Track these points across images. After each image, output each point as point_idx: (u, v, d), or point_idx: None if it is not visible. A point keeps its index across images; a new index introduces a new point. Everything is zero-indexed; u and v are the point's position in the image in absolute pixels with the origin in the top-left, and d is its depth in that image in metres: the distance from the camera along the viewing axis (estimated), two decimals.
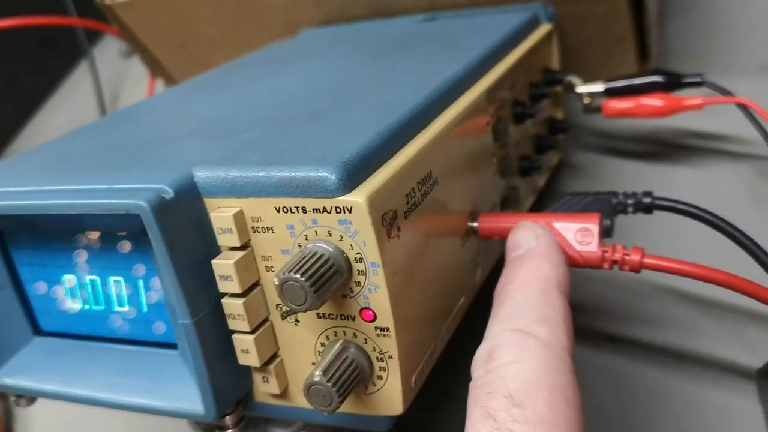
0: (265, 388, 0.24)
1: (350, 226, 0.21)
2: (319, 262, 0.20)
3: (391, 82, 0.29)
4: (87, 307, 0.27)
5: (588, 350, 0.35)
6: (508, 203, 0.32)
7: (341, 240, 0.21)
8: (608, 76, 0.40)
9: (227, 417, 0.24)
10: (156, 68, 0.64)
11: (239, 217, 0.22)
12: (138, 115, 0.32)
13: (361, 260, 0.21)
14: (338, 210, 0.21)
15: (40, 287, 0.27)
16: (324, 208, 0.21)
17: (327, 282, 0.20)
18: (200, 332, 0.22)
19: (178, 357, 0.25)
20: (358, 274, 0.21)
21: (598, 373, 0.34)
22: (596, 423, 0.32)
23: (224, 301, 0.23)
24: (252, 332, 0.23)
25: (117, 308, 0.26)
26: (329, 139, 0.23)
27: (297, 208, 0.21)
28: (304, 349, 0.24)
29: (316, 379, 0.21)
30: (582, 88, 0.40)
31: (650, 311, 0.36)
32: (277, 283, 0.20)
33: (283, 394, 0.25)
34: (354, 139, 0.22)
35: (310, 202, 0.21)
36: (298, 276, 0.20)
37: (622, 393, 0.33)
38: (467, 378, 0.21)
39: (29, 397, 0.29)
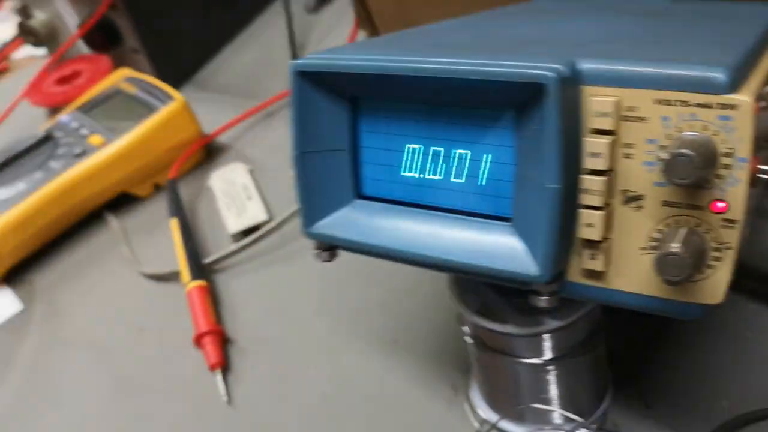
0: (589, 265, 0.27)
1: (729, 122, 0.24)
2: (702, 147, 0.24)
3: (707, 27, 0.32)
4: (421, 176, 0.31)
5: None
6: None
7: (715, 134, 0.24)
8: None
9: (552, 284, 0.28)
10: (365, 21, 0.68)
11: (617, 104, 0.25)
12: (487, 22, 0.36)
13: (729, 155, 0.24)
14: (722, 107, 0.24)
15: (377, 154, 0.31)
16: (707, 103, 0.24)
17: (706, 166, 0.23)
18: (557, 199, 0.26)
19: (509, 228, 0.29)
20: (723, 168, 0.24)
21: None
22: None
23: (584, 177, 0.26)
24: (601, 209, 0.26)
25: (453, 179, 0.30)
26: (701, 48, 0.26)
27: (678, 101, 0.24)
28: (638, 234, 0.27)
29: (675, 249, 0.24)
30: None
31: None
32: (667, 157, 0.23)
33: (601, 275, 0.28)
34: (731, 47, 0.25)
35: (694, 98, 0.24)
36: (688, 152, 0.23)
37: None
38: None
39: (330, 252, 0.33)
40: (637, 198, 0.26)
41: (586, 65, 0.26)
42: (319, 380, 0.44)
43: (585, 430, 0.37)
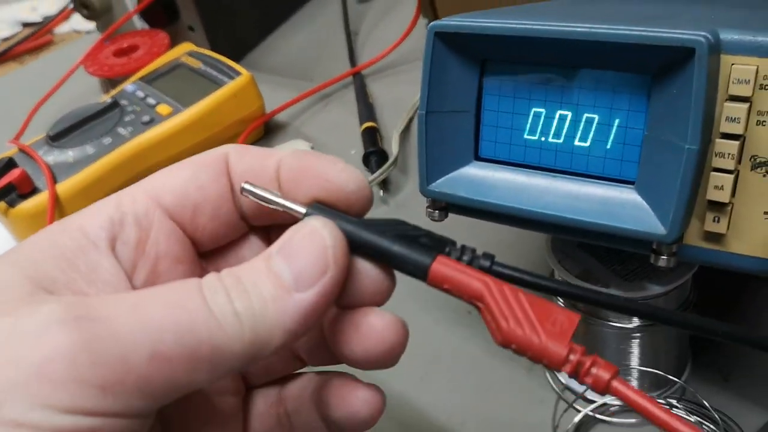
0: (711, 228, 0.29)
1: None
2: None
3: None
4: (543, 139, 0.32)
5: None
6: None
7: None
8: None
9: (673, 245, 0.29)
10: (427, 7, 0.70)
11: (756, 73, 0.27)
12: (595, 3, 0.38)
13: None
14: None
15: (501, 117, 0.33)
16: None
17: None
18: (694, 160, 0.27)
19: (632, 190, 0.30)
20: None
21: None
22: None
23: (718, 140, 0.28)
24: (731, 172, 0.28)
25: (578, 143, 0.31)
26: None
27: None
28: (763, 198, 0.28)
29: None
30: None
31: None
32: None
33: (721, 238, 0.29)
34: None
35: None
36: None
37: None
38: None
39: (442, 212, 0.35)
40: (766, 164, 0.28)
41: (728, 35, 0.27)
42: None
43: (667, 399, 0.39)
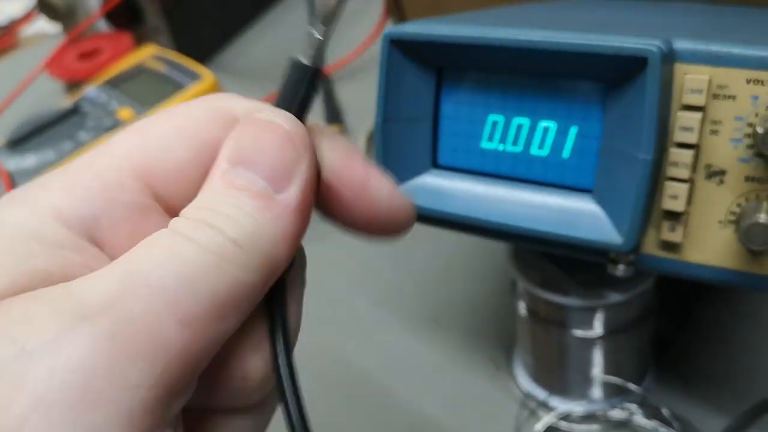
0: (667, 237, 0.29)
1: None
2: None
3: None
4: (501, 147, 0.32)
5: None
6: None
7: None
8: None
9: (630, 255, 0.29)
10: (393, 9, 0.69)
11: (709, 82, 0.27)
12: (555, 9, 0.37)
13: None
14: None
15: (458, 125, 0.32)
16: None
17: None
18: (649, 170, 0.27)
19: (589, 199, 0.30)
20: None
21: None
22: None
23: (673, 150, 0.27)
24: (686, 181, 0.28)
25: (535, 151, 0.31)
26: None
27: None
28: (718, 207, 0.28)
29: (762, 220, 0.26)
30: None
31: None
32: (761, 132, 0.25)
33: (677, 247, 0.29)
34: None
35: None
36: None
37: None
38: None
39: None
40: (720, 173, 0.28)
41: (682, 44, 0.27)
42: (359, 356, 0.45)
43: (627, 405, 0.39)
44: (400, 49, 0.31)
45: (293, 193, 0.19)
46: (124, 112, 0.62)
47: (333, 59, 0.77)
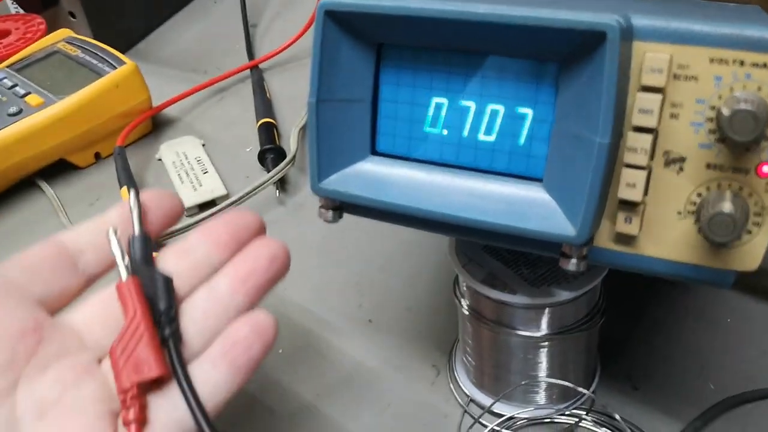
0: (623, 229, 0.27)
1: None
2: (759, 107, 0.23)
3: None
4: (445, 132, 0.29)
5: None
6: None
7: None
8: None
9: (583, 248, 0.27)
10: None
11: (670, 61, 0.25)
12: None
13: None
14: None
15: (399, 108, 0.30)
16: (765, 63, 0.24)
17: (765, 121, 0.23)
18: (605, 155, 0.25)
19: (540, 188, 0.28)
20: None
21: None
22: None
23: (630, 134, 0.25)
24: (644, 168, 0.26)
25: (482, 137, 0.28)
26: (753, 16, 0.26)
27: (734, 61, 0.24)
28: (677, 197, 0.26)
29: (726, 210, 0.24)
30: None
31: None
32: (727, 114, 0.23)
33: (633, 240, 0.27)
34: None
35: (752, 57, 0.24)
36: (750, 108, 0.23)
37: None
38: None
39: (336, 212, 0.31)
40: (680, 160, 0.26)
41: (641, 21, 0.25)
42: (291, 361, 0.42)
43: (575, 411, 0.37)
44: (336, 21, 0.28)
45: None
46: (33, 99, 0.57)
47: (265, 50, 0.73)
